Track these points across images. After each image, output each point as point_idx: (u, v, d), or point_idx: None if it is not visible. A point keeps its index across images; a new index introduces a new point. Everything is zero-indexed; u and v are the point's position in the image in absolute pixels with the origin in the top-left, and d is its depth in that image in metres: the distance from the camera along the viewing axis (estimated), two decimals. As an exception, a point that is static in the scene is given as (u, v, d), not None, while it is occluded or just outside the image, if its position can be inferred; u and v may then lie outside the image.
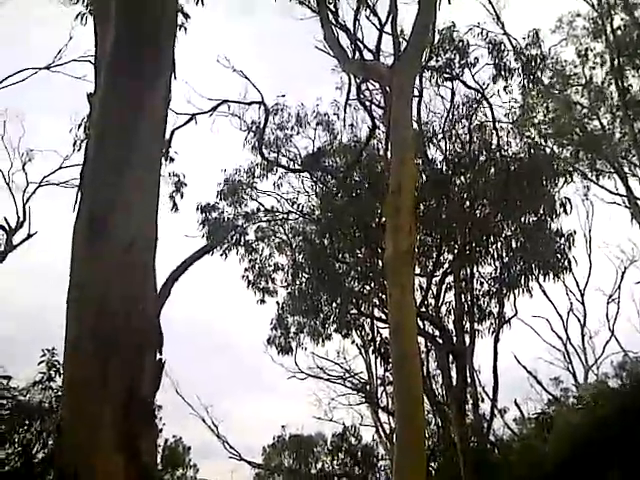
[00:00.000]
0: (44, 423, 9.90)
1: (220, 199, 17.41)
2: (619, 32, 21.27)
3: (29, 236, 19.53)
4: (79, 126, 14.07)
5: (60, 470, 3.94)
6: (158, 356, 4.27)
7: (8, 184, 20.27)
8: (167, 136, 14.31)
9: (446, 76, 16.00)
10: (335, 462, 21.76)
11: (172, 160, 15.47)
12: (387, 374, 18.38)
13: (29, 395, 10.47)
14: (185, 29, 12.11)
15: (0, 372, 10.32)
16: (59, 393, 8.81)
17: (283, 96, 17.41)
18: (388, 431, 20.24)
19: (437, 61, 16.15)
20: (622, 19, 21.18)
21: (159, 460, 20.30)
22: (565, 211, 15.56)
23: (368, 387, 21.25)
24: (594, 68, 22.38)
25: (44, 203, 21.02)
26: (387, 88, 13.84)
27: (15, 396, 10.30)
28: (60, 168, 20.21)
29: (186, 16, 12.28)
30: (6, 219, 19.35)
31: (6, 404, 10.16)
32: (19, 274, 22.95)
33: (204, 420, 22.23)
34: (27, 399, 10.41)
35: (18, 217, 19.80)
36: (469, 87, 16.23)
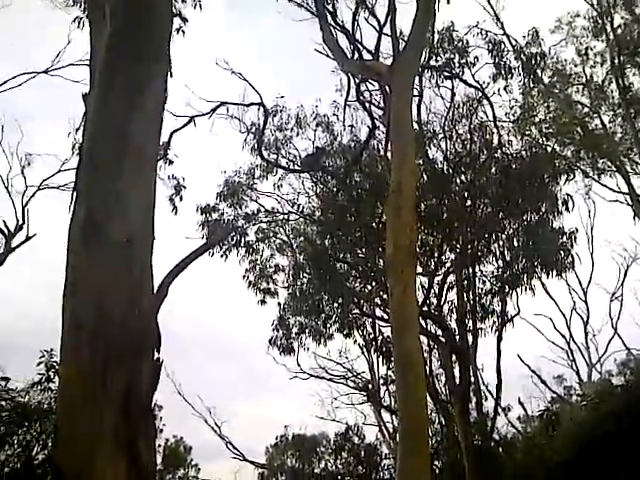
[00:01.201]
0: (44, 424, 9.87)
1: (220, 200, 17.40)
2: (619, 30, 21.20)
3: (28, 238, 19.53)
4: (77, 130, 14.09)
5: (59, 472, 3.91)
6: (156, 356, 4.26)
7: (7, 188, 20.30)
8: (166, 138, 14.31)
9: (446, 74, 15.97)
10: (338, 461, 21.73)
11: (171, 163, 15.43)
12: (390, 373, 18.36)
13: (28, 396, 10.45)
14: (183, 32, 12.10)
15: (-2, 374, 10.32)
16: (58, 394, 8.78)
17: (282, 97, 17.40)
18: (391, 430, 20.20)
19: (437, 61, 16.13)
20: (622, 17, 21.12)
21: (159, 460, 20.33)
22: (567, 208, 15.52)
23: (371, 386, 21.21)
24: (594, 67, 22.34)
25: (43, 207, 21.06)
26: (387, 88, 13.83)
27: (14, 397, 10.27)
28: (59, 171, 20.24)
29: (184, 20, 12.27)
30: (5, 222, 19.39)
31: (5, 405, 10.13)
32: (18, 277, 23.01)
33: (206, 421, 22.23)
34: (26, 400, 10.38)
35: (17, 220, 19.86)
36: (469, 85, 16.20)
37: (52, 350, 10.18)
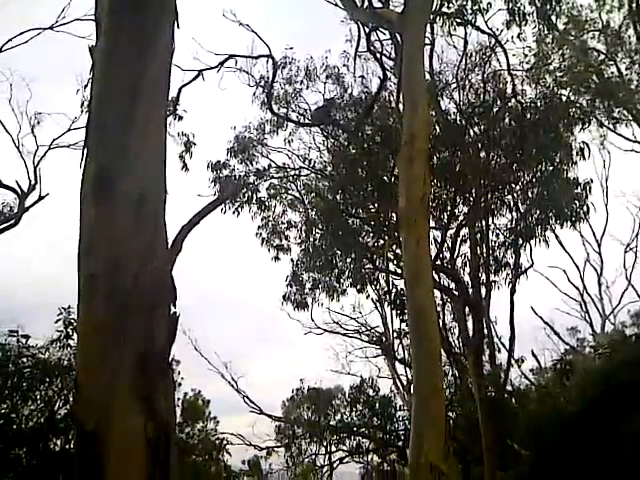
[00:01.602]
0: (64, 380, 10.07)
1: (230, 157, 17.31)
2: (638, -28, 20.50)
3: (41, 198, 19.58)
4: (85, 87, 13.96)
5: (80, 426, 3.96)
6: (172, 310, 4.26)
7: (18, 148, 20.21)
8: (174, 94, 14.15)
9: (458, 21, 15.56)
10: (354, 414, 22.09)
11: (181, 119, 15.31)
12: (403, 326, 18.48)
13: (48, 353, 10.64)
14: (189, -18, 11.82)
15: (18, 332, 10.47)
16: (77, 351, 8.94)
17: (291, 49, 17.11)
18: (405, 382, 20.45)
19: (449, 7, 15.68)
20: (641, -42, 20.38)
21: (178, 413, 20.74)
22: (583, 157, 15.31)
23: (384, 340, 21.39)
24: (611, 12, 21.68)
25: (55, 166, 21.02)
26: (398, 37, 13.52)
27: (34, 354, 10.47)
28: (69, 130, 20.11)
29: (190, -31, 11.97)
30: (18, 182, 19.38)
31: (26, 362, 10.33)
32: (33, 236, 23.18)
33: (223, 376, 22.58)
34: (46, 357, 10.58)
35: (29, 180, 19.83)
36: (482, 32, 15.83)
37: (70, 307, 10.31)
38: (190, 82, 14.28)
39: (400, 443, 20.61)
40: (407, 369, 19.77)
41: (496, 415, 14.89)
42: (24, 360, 10.35)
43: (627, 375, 11.11)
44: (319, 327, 21.25)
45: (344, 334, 22.01)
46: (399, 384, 21.21)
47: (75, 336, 10.23)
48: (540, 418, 13.19)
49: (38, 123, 20.48)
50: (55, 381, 10.18)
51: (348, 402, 22.32)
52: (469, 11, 15.61)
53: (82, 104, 14.62)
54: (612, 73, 22.06)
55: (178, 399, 21.82)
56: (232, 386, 22.65)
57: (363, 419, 21.90)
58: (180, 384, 22.34)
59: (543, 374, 20.05)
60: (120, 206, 4.16)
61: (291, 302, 18.59)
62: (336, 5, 14.18)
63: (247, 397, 22.77)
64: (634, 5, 20.42)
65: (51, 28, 18.10)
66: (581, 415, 11.70)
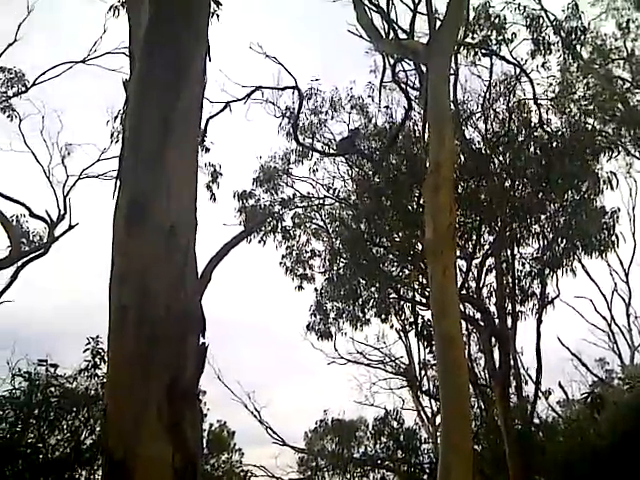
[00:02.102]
0: (91, 410, 10.11)
1: (256, 186, 17.45)
2: (662, 0, 20.51)
3: (70, 227, 19.87)
4: (115, 118, 14.25)
5: (108, 456, 3.96)
6: (201, 340, 4.27)
7: (48, 178, 20.59)
8: (202, 125, 14.33)
9: (483, 52, 15.67)
10: (378, 446, 21.73)
11: (208, 150, 15.49)
12: (428, 357, 18.27)
13: (75, 383, 10.70)
14: (217, 16, 12.07)
15: (47, 361, 10.55)
16: (104, 380, 8.98)
17: (317, 80, 17.31)
18: (430, 415, 20.16)
19: (473, 38, 15.84)
20: (666, -14, 20.40)
21: (205, 444, 20.64)
22: (611, 186, 15.15)
23: (408, 371, 21.16)
24: (636, 40, 21.63)
25: (84, 196, 21.37)
26: (423, 67, 13.63)
27: (62, 384, 10.53)
28: (98, 160, 20.46)
29: (217, 3, 12.25)
30: (47, 212, 19.73)
31: (54, 391, 10.39)
32: (62, 265, 23.47)
33: (246, 406, 22.45)
34: (74, 387, 10.63)
35: (59, 210, 20.15)
36: (507, 61, 15.89)
37: (98, 337, 10.40)
38: (218, 114, 14.50)
39: (425, 477, 20.24)
40: (432, 401, 19.52)
41: (523, 448, 14.57)
42: (52, 390, 10.42)
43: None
44: (342, 357, 21.11)
45: (368, 364, 21.83)
46: (424, 416, 20.92)
47: (103, 366, 10.30)
48: (569, 452, 12.90)
49: (68, 154, 20.90)
50: (82, 411, 10.22)
51: (372, 434, 21.99)
52: (494, 41, 15.74)
53: (112, 135, 14.89)
54: (638, 101, 21.95)
55: (204, 430, 21.75)
56: (255, 417, 22.54)
57: (387, 452, 21.55)
58: (206, 415, 22.30)
59: (571, 406, 19.61)
60: (152, 237, 4.21)
61: (315, 332, 18.51)
62: (361, 37, 14.36)
63: (270, 428, 22.60)
64: (659, 33, 20.39)
65: (83, 62, 18.59)
66: (611, 449, 11.42)
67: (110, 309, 4.17)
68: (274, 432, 22.56)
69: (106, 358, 4.61)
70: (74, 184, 20.76)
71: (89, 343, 10.64)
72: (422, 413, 21.00)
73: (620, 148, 20.65)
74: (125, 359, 4.03)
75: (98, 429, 9.66)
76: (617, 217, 15.55)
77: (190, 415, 4.10)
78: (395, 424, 21.36)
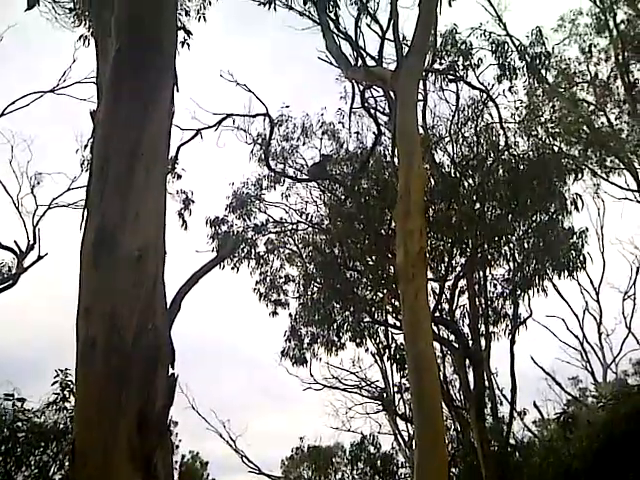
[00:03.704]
0: (60, 444, 9.88)
1: (229, 212, 17.39)
2: (622, 26, 21.14)
3: (39, 258, 19.58)
4: (85, 147, 14.17)
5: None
6: (170, 371, 4.23)
7: (17, 208, 20.33)
8: (173, 152, 14.34)
9: (450, 77, 15.95)
10: (355, 472, 21.53)
11: (179, 177, 15.48)
12: (403, 381, 18.25)
13: (44, 417, 10.46)
14: (188, 45, 12.20)
15: (14, 395, 10.32)
16: (73, 413, 8.82)
17: (287, 107, 17.43)
18: (407, 438, 20.06)
19: (441, 64, 16.10)
20: (625, 12, 21.07)
21: (176, 476, 20.24)
22: (577, 207, 15.41)
23: (385, 395, 21.09)
24: (599, 64, 22.26)
25: (54, 225, 21.13)
26: (391, 93, 13.82)
27: (30, 418, 10.29)
28: (69, 190, 20.27)
29: (188, 33, 12.36)
30: (16, 242, 19.42)
31: (21, 426, 10.14)
32: (31, 297, 23.07)
33: (221, 435, 22.15)
34: (42, 421, 10.40)
35: (28, 240, 19.86)
36: (474, 87, 16.16)
37: (67, 369, 10.20)
38: (188, 141, 14.51)
39: (403, 502, 20.10)
40: (408, 425, 19.42)
41: (500, 470, 14.58)
42: (19, 425, 10.16)
43: (631, 427, 10.94)
44: (318, 382, 20.95)
45: (344, 389, 21.68)
46: (400, 440, 20.80)
47: (72, 399, 10.09)
48: (544, 472, 12.92)
49: (38, 183, 20.68)
50: (50, 445, 9.99)
51: (349, 460, 21.80)
52: (460, 67, 16.01)
53: (82, 163, 14.80)
54: (602, 123, 22.51)
55: (176, 462, 21.37)
56: (230, 446, 22.24)
57: (364, 477, 21.37)
58: (178, 446, 21.95)
59: (546, 426, 19.72)
60: (119, 266, 4.19)
61: (289, 358, 18.39)
62: (331, 64, 14.52)
63: (246, 457, 22.32)
64: (620, 57, 20.98)
65: (52, 91, 18.50)
66: (586, 470, 11.46)
67: (77, 341, 4.12)
68: (249, 461, 22.30)
69: (75, 391, 4.54)
70: (44, 214, 20.54)
71: (57, 376, 10.44)
72: (399, 437, 20.88)
73: (586, 170, 21.13)
74: (93, 392, 3.98)
75: (67, 464, 9.43)
76: (585, 237, 15.82)
77: (161, 447, 4.05)
78: (372, 449, 21.23)
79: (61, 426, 10.24)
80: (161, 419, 4.05)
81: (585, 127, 21.92)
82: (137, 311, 4.09)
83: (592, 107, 22.68)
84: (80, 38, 11.69)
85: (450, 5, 13.24)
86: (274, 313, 18.29)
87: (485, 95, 16.33)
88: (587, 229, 16.04)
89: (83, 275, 4.25)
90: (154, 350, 4.08)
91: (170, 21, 4.98)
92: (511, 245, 16.31)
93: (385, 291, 16.71)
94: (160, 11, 4.83)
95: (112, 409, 3.88)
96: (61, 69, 18.46)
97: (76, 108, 17.90)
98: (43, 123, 23.52)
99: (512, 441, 17.04)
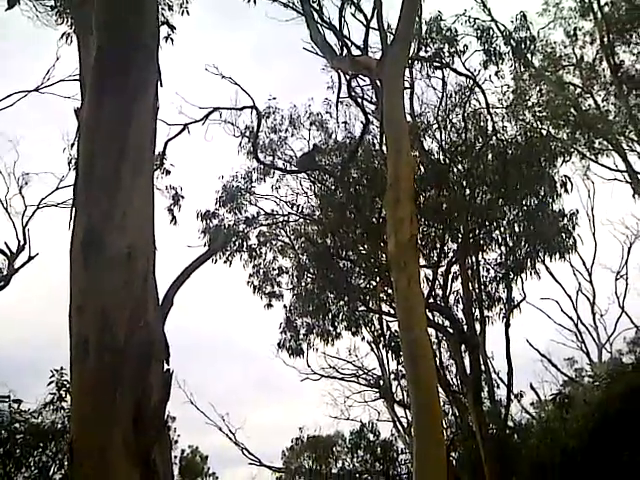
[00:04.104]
0: (59, 444, 9.88)
1: (219, 206, 17.34)
2: (606, 8, 21.15)
3: (30, 259, 19.51)
4: (72, 145, 14.06)
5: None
6: (165, 367, 4.24)
7: (6, 209, 20.24)
8: (161, 148, 14.25)
9: (436, 65, 15.94)
10: (355, 460, 21.67)
11: (168, 173, 15.36)
12: (400, 368, 18.34)
13: (41, 417, 10.47)
14: (172, 40, 12.11)
15: (10, 397, 10.31)
16: (70, 413, 8.83)
17: (274, 99, 17.37)
18: (405, 425, 20.17)
19: (426, 51, 16.10)
20: (609, -5, 21.06)
21: (176, 472, 20.31)
22: (566, 190, 15.50)
23: (382, 382, 21.18)
24: (584, 47, 22.26)
25: (44, 225, 21.05)
26: (378, 82, 13.80)
27: (27, 419, 10.29)
28: (57, 189, 20.16)
29: (171, 27, 12.26)
30: (6, 244, 19.33)
31: (19, 428, 10.14)
32: (24, 297, 23.00)
33: (220, 429, 22.21)
34: (39, 421, 10.40)
35: (18, 241, 19.78)
36: (460, 74, 16.16)
37: (62, 369, 10.19)
38: (176, 136, 14.39)
39: (403, 487, 20.25)
40: (406, 411, 19.52)
41: (499, 452, 14.69)
42: (17, 426, 10.16)
43: (626, 405, 11.04)
44: (316, 373, 21.02)
45: (341, 378, 21.77)
46: (399, 427, 20.90)
47: (68, 398, 10.09)
48: (541, 453, 13.02)
49: (26, 183, 20.57)
50: (49, 445, 9.99)
51: (349, 448, 21.93)
52: (446, 54, 16.01)
53: (69, 162, 14.69)
54: (589, 106, 22.55)
55: (175, 457, 21.44)
56: (230, 439, 22.30)
57: (365, 465, 21.51)
58: (177, 441, 21.99)
59: (543, 407, 19.82)
60: (109, 264, 4.19)
61: (286, 349, 18.41)
62: (316, 54, 14.47)
63: (246, 449, 22.39)
64: (605, 40, 20.99)
65: (37, 90, 18.30)
66: (582, 449, 11.56)
67: (71, 340, 4.12)
68: (250, 453, 22.38)
69: (70, 390, 4.54)
70: (33, 214, 20.43)
71: (53, 376, 10.43)
72: (398, 424, 21.00)
73: (575, 152, 21.19)
74: (88, 390, 3.99)
75: (67, 463, 9.44)
76: (575, 219, 15.90)
77: (158, 443, 4.07)
78: (371, 437, 21.36)
79: (59, 426, 10.25)
80: (157, 415, 4.06)
81: (572, 110, 21.95)
82: (129, 308, 4.10)
83: (579, 90, 22.69)
84: (63, 36, 11.55)
85: (434, -9, 13.23)
86: (269, 305, 18.30)
87: (472, 81, 16.33)
88: (577, 211, 16.15)
89: (73, 274, 4.25)
90: (147, 346, 4.09)
91: (152, 16, 4.95)
92: (502, 229, 16.38)
93: (378, 279, 16.75)
94: (141, 7, 4.81)
95: (107, 406, 3.89)
96: (44, 68, 18.30)
97: (62, 107, 17.80)
98: (29, 123, 23.39)
99: (510, 423, 17.17)
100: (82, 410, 4.02)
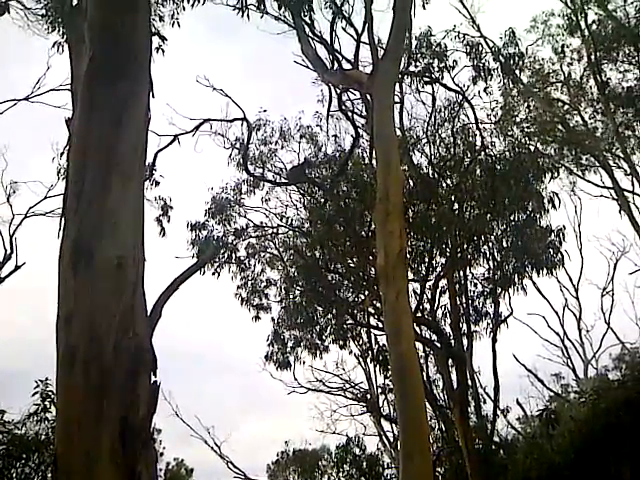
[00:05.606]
0: (42, 455, 9.76)
1: (209, 217, 17.35)
2: (594, 27, 21.44)
3: (17, 268, 19.37)
4: (61, 155, 14.02)
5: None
6: (152, 379, 4.20)
7: (-7, 217, 20.11)
8: (150, 159, 14.24)
9: (426, 80, 16.06)
10: (341, 474, 21.57)
11: (157, 184, 15.36)
12: (387, 382, 18.30)
13: (25, 428, 10.33)
14: (163, 51, 12.16)
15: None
16: (55, 424, 8.72)
17: (265, 111, 17.46)
18: (392, 439, 20.11)
19: (416, 66, 16.22)
20: (596, 13, 21.38)
21: (161, 484, 20.11)
22: (554, 206, 15.62)
23: (369, 396, 21.13)
24: (572, 64, 22.57)
25: (31, 234, 20.91)
26: (368, 96, 13.89)
27: (10, 430, 10.16)
28: (45, 198, 20.10)
29: (163, 39, 12.32)
30: (-7, 252, 19.21)
31: (1, 439, 10.01)
32: (10, 307, 22.80)
33: (206, 442, 22.03)
34: (23, 432, 10.27)
35: (5, 250, 19.68)
36: (449, 89, 16.29)
37: (47, 379, 10.08)
38: (166, 147, 14.38)
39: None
40: (393, 425, 19.47)
41: (485, 468, 14.67)
42: (-1, 437, 10.03)
43: (612, 421, 11.08)
44: (302, 386, 20.94)
45: (328, 392, 21.69)
46: (385, 441, 20.84)
47: (53, 409, 9.98)
48: (528, 469, 13.02)
49: (14, 192, 20.48)
50: (32, 457, 9.85)
51: (335, 463, 21.84)
52: (436, 69, 16.14)
53: (58, 172, 14.65)
54: (577, 122, 22.83)
55: (160, 469, 21.24)
56: (215, 452, 22.12)
57: (351, 479, 21.41)
58: (162, 454, 21.81)
59: (530, 423, 19.86)
60: (98, 274, 4.16)
61: (273, 362, 18.36)
62: (307, 67, 14.54)
63: (231, 462, 22.21)
64: (592, 57, 21.27)
65: (27, 99, 18.27)
66: (568, 464, 11.58)
67: (57, 350, 4.08)
68: (235, 466, 22.19)
69: (56, 401, 4.49)
70: (20, 223, 20.32)
71: (38, 386, 10.31)
72: (384, 438, 20.94)
73: (563, 168, 21.40)
74: (74, 401, 3.94)
75: (50, 475, 9.32)
76: (563, 235, 16.02)
77: (144, 455, 4.03)
78: (357, 451, 21.28)
79: (42, 437, 10.11)
80: (144, 427, 4.02)
81: (560, 126, 22.21)
82: (117, 319, 4.06)
83: (566, 106, 22.98)
84: (54, 45, 11.54)
85: (424, 8, 13.39)
86: (257, 317, 18.28)
87: (461, 96, 16.47)
88: (564, 227, 16.29)
89: (62, 284, 4.21)
90: (135, 358, 4.05)
91: (143, 27, 4.95)
92: (490, 244, 16.46)
93: (367, 293, 16.76)
94: (133, 17, 4.81)
95: (93, 418, 3.85)
96: (35, 77, 18.27)
97: (51, 116, 17.75)
98: (18, 132, 23.30)
99: (496, 439, 17.17)
100: (68, 422, 3.97)
